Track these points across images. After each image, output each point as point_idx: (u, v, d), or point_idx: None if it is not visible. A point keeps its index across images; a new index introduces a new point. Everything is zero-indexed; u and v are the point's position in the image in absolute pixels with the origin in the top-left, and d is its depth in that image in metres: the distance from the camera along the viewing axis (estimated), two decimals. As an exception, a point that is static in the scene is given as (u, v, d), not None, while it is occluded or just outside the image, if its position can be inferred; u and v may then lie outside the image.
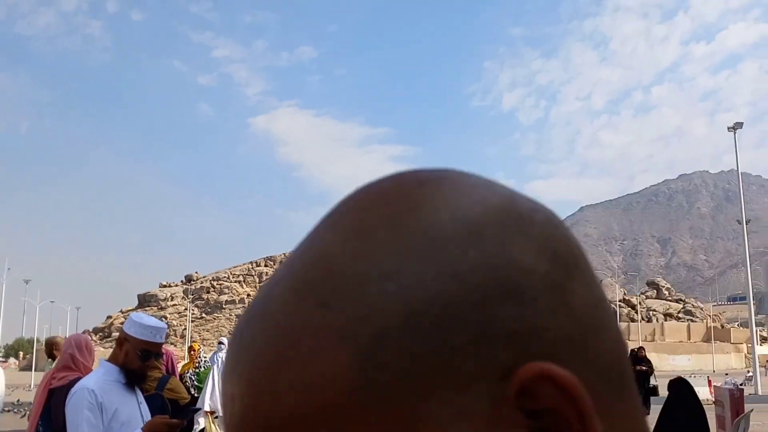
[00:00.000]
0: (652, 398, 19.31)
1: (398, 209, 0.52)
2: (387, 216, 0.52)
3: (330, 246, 0.52)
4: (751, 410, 10.28)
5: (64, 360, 5.55)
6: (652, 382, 19.20)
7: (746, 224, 34.09)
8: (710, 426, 8.25)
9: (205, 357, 12.73)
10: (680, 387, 8.28)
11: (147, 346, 3.97)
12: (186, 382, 11.35)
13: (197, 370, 12.15)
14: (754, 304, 31.20)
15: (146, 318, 4.08)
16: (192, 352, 12.68)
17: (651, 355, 23.49)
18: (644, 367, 19.08)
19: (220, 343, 15.27)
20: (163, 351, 5.45)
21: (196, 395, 11.13)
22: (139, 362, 3.99)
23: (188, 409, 5.06)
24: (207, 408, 12.02)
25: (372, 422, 0.46)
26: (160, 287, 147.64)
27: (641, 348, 20.87)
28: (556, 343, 0.49)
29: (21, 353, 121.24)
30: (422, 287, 0.49)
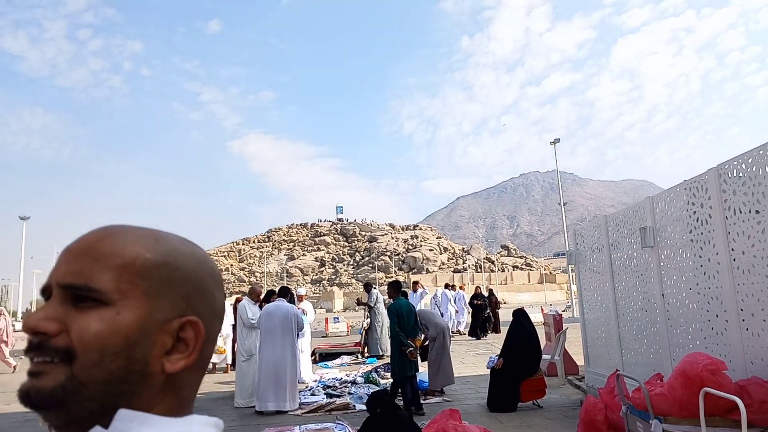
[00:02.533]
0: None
1: (158, 233, 0.74)
2: (159, 233, 0.74)
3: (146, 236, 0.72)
4: (567, 328, 10.50)
5: None
6: (488, 312, 19.26)
7: (564, 206, 35.55)
8: (541, 338, 8.36)
9: None
10: (520, 313, 8.38)
11: None
12: None
13: None
14: (568, 255, 33.28)
15: None
16: None
17: (504, 294, 23.81)
18: (478, 302, 19.11)
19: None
20: None
21: None
22: None
23: None
24: None
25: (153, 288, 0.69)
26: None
27: (477, 287, 20.74)
28: (203, 313, 0.72)
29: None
30: (180, 266, 0.71)
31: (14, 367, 14.61)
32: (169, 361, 0.68)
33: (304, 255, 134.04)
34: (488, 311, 19.35)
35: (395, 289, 8.13)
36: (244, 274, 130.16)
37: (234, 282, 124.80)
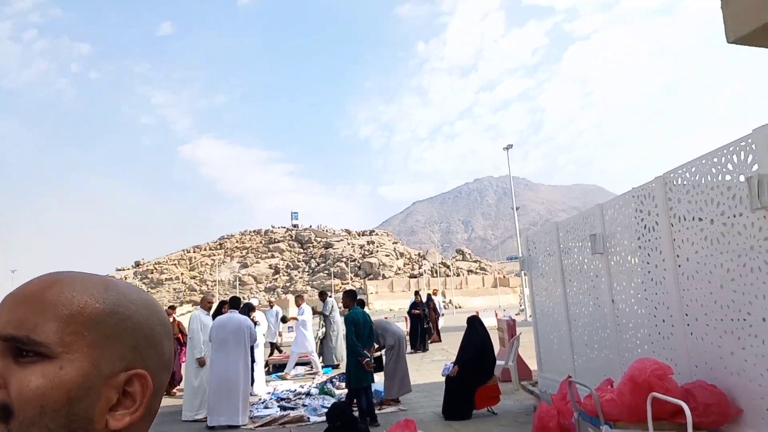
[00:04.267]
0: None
1: (101, 280, 0.72)
2: (103, 281, 0.71)
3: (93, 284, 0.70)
4: (520, 333, 10.65)
5: None
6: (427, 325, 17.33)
7: (516, 210, 36.17)
8: (495, 343, 8.45)
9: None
10: (474, 320, 8.46)
11: None
12: None
13: None
14: (520, 261, 34.01)
15: None
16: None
17: (459, 299, 23.79)
18: (417, 311, 17.24)
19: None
20: None
21: None
22: None
23: None
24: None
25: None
26: (116, 270, 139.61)
27: (416, 292, 18.59)
28: (151, 365, 0.70)
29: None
30: (130, 316, 0.69)
31: None
32: (113, 417, 0.67)
33: (257, 262, 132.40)
34: (427, 322, 17.46)
35: (351, 298, 8.10)
36: (195, 283, 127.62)
37: (185, 291, 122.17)
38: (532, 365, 10.05)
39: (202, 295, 10.49)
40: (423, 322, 17.22)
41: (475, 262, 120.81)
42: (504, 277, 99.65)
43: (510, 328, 10.90)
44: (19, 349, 0.62)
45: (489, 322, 16.56)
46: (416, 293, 18.57)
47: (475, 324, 8.33)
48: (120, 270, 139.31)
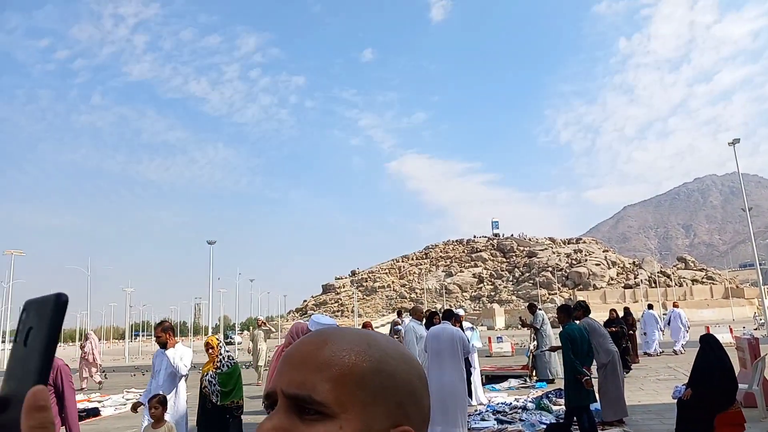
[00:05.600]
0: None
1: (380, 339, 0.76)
2: (379, 338, 0.75)
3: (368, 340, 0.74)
4: (766, 354, 9.33)
5: (288, 338, 6.10)
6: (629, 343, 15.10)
7: (749, 211, 31.82)
8: (734, 364, 7.52)
9: (228, 353, 6.61)
10: (709, 339, 7.61)
11: None
12: (205, 387, 6.35)
13: (219, 371, 6.40)
14: (761, 267, 30.10)
15: (322, 318, 4.01)
16: (210, 350, 6.53)
17: (685, 311, 21.57)
18: (614, 328, 14.10)
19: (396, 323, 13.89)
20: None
21: (218, 402, 6.27)
22: None
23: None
24: None
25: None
26: (335, 279, 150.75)
27: (612, 310, 16.08)
28: (415, 420, 0.72)
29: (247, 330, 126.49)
30: (393, 372, 0.72)
31: (100, 383, 17.40)
32: None
33: (461, 271, 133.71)
34: (627, 340, 15.10)
35: (566, 313, 7.80)
36: (405, 291, 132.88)
37: (396, 298, 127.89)
38: (783, 391, 8.73)
39: (413, 305, 10.88)
40: (621, 340, 14.46)
41: (701, 270, 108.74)
42: (737, 287, 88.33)
43: (752, 347, 9.61)
44: (301, 407, 0.67)
45: (723, 338, 14.80)
46: (612, 311, 16.21)
47: (710, 343, 7.48)
48: (338, 278, 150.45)
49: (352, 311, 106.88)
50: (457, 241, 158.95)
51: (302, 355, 0.70)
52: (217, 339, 6.54)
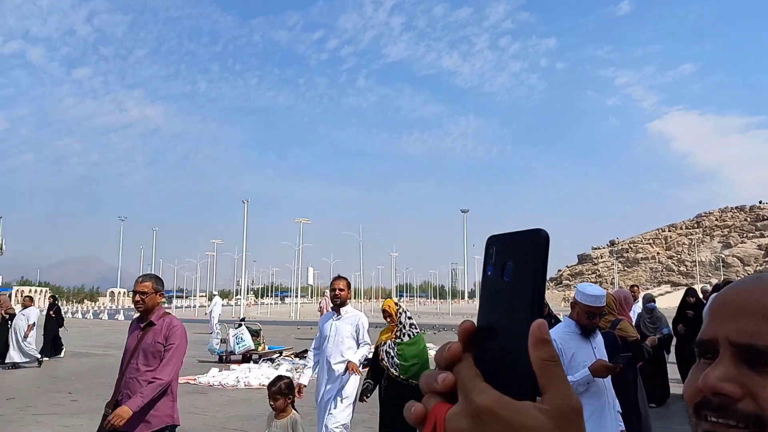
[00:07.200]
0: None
1: None
2: None
3: None
4: None
5: (610, 305, 5.05)
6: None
7: None
8: None
9: (411, 320, 5.46)
10: None
11: (590, 309, 3.78)
12: (382, 358, 5.28)
13: (398, 341, 5.29)
14: None
15: (589, 288, 3.85)
16: (388, 319, 5.42)
17: None
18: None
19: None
20: None
21: (399, 376, 5.13)
22: (587, 320, 3.81)
23: (621, 355, 3.95)
24: None
25: None
26: (592, 249, 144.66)
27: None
28: None
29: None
30: None
31: None
32: None
33: (742, 242, 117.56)
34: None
35: None
36: (672, 263, 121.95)
37: (662, 271, 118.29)
38: None
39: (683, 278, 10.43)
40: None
41: None
42: None
43: None
44: (754, 357, 0.61)
45: None
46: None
47: None
48: (596, 249, 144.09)
49: (612, 283, 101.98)
50: (737, 207, 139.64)
51: (746, 303, 0.64)
52: (396, 304, 5.55)
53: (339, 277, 5.59)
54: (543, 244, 0.47)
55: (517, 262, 0.47)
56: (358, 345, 5.47)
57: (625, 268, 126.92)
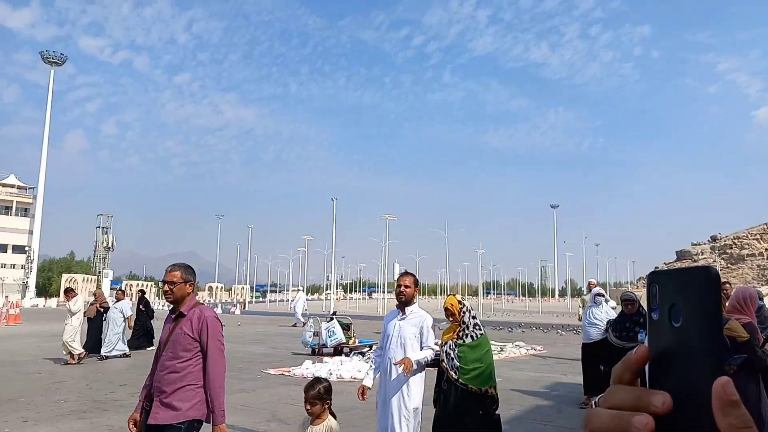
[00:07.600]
0: None
1: None
2: None
3: None
4: None
5: (732, 304, 4.99)
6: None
7: None
8: None
9: (475, 321, 4.89)
10: None
11: None
12: (442, 360, 4.84)
13: (460, 341, 4.82)
14: None
15: None
16: (451, 318, 4.92)
17: None
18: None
19: (598, 295, 9.52)
20: None
21: (458, 380, 4.68)
22: None
23: (735, 356, 3.68)
24: None
25: None
26: (691, 245, 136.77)
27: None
28: None
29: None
30: None
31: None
32: None
33: None
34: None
35: None
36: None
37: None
38: None
39: None
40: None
41: None
42: None
43: None
44: None
45: None
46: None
47: None
48: (696, 245, 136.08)
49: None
50: None
51: None
52: (460, 302, 4.96)
53: (406, 273, 5.19)
54: (714, 284, 0.43)
55: (687, 305, 0.44)
56: (422, 348, 4.98)
57: (729, 266, 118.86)
